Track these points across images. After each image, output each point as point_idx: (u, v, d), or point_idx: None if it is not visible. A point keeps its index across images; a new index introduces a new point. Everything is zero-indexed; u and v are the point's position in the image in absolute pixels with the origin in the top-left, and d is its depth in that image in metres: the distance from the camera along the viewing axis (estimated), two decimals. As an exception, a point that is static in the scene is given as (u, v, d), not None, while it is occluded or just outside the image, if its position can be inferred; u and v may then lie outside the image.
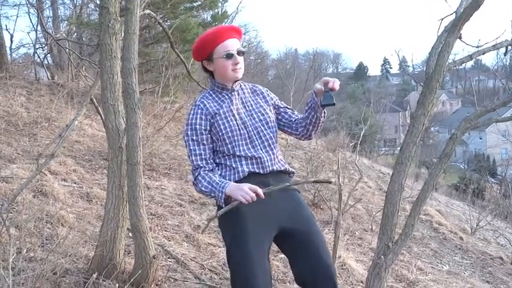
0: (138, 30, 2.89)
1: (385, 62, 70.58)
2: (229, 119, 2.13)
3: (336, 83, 2.04)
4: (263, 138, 2.15)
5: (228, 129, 2.11)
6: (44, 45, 11.32)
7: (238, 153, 2.10)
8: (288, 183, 2.12)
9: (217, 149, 2.14)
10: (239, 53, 2.13)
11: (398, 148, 2.80)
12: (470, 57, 2.71)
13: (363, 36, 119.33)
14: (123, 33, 2.86)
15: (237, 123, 2.13)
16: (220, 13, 11.85)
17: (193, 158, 2.12)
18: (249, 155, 2.11)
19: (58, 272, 2.59)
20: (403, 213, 5.78)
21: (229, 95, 2.18)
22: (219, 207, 2.07)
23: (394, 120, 40.28)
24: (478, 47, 2.76)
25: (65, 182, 4.62)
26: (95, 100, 3.57)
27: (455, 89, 58.47)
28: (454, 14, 2.70)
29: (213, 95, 2.18)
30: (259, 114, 2.18)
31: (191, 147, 2.12)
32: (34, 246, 2.92)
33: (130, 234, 3.10)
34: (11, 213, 3.23)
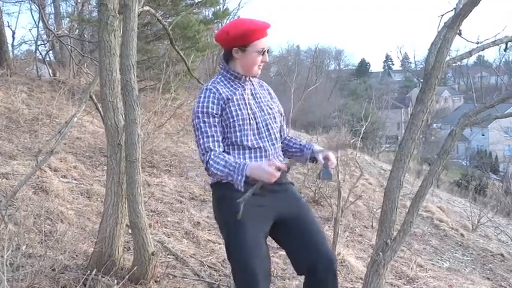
0: (138, 27, 2.88)
1: (387, 58, 70.38)
2: (241, 107, 2.11)
3: (333, 164, 2.19)
4: (270, 131, 2.17)
5: (240, 117, 2.09)
6: (45, 42, 11.34)
7: (245, 143, 2.10)
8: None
9: (225, 135, 2.12)
10: (268, 51, 2.16)
11: (399, 146, 2.79)
12: (469, 53, 2.70)
13: (365, 33, 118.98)
14: (122, 30, 2.86)
15: (247, 112, 2.11)
16: (221, 10, 11.83)
17: (204, 140, 2.05)
18: (256, 146, 2.12)
19: (57, 268, 2.60)
20: (403, 210, 5.78)
21: (242, 84, 2.17)
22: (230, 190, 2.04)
23: (396, 116, 40.18)
24: (478, 43, 2.75)
25: (65, 178, 4.62)
26: (94, 97, 3.57)
27: (458, 85, 58.25)
28: (454, 10, 2.69)
29: (225, 82, 2.15)
30: (267, 107, 2.19)
31: (203, 129, 2.06)
32: (33, 243, 2.93)
33: (129, 230, 3.11)
34: (10, 209, 3.24)
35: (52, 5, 12.42)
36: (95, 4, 11.51)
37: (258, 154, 2.12)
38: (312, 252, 2.09)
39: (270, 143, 2.15)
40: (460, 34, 2.58)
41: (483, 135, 37.19)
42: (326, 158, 2.20)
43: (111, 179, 2.92)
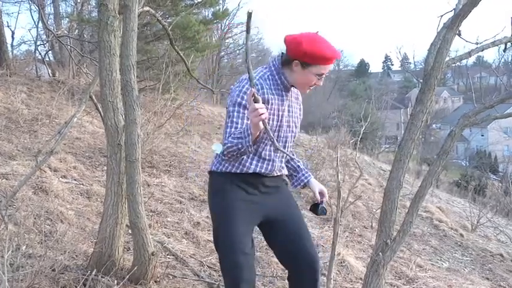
0: (138, 28, 2.89)
1: (387, 59, 70.41)
2: (274, 117, 2.07)
3: (326, 199, 2.37)
4: (287, 149, 2.20)
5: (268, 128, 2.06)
6: (45, 42, 11.32)
7: (260, 150, 2.10)
8: None
9: None
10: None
11: (399, 146, 2.80)
12: (469, 54, 2.71)
13: (364, 33, 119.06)
14: (122, 30, 2.86)
15: (277, 124, 2.10)
16: (221, 10, 11.85)
17: (232, 130, 1.98)
18: (267, 157, 2.13)
19: (57, 269, 2.60)
20: (403, 210, 5.78)
21: (285, 94, 2.12)
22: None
23: (396, 117, 40.19)
24: (477, 43, 2.75)
25: (65, 178, 4.63)
26: (94, 97, 3.57)
27: (457, 85, 58.27)
28: (453, 11, 2.70)
29: (272, 82, 2.08)
30: (293, 125, 2.19)
31: (234, 119, 1.99)
32: (33, 243, 2.93)
33: (129, 231, 3.11)
34: (10, 209, 3.24)
35: (51, 5, 12.42)
36: (94, 4, 11.52)
37: (264, 165, 2.13)
38: (297, 251, 2.17)
39: (279, 158, 2.18)
40: (459, 35, 2.58)
41: (482, 135, 37.20)
42: (321, 194, 2.34)
43: (111, 179, 2.92)
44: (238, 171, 2.11)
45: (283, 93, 2.11)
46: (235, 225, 2.06)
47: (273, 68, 2.11)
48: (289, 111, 2.15)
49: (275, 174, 2.20)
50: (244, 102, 1.98)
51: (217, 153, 2.10)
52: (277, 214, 2.18)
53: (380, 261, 2.61)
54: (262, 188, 2.16)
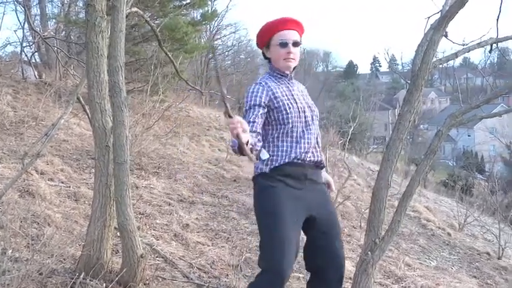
0: (126, 29, 2.87)
1: (375, 60, 70.89)
2: (291, 101, 2.23)
3: (333, 191, 2.51)
4: (313, 127, 2.29)
5: (292, 110, 2.21)
6: (31, 44, 11.16)
7: (295, 134, 2.21)
8: None
9: (278, 126, 2.21)
10: (294, 44, 2.24)
11: (387, 145, 2.82)
12: (455, 55, 2.74)
13: (352, 35, 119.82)
14: (109, 31, 2.84)
15: (298, 106, 2.24)
16: (210, 12, 11.82)
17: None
18: (303, 137, 2.22)
19: (44, 273, 2.57)
20: (391, 210, 5.82)
21: (288, 82, 2.30)
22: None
23: (384, 118, 40.44)
24: (463, 45, 2.79)
25: (52, 181, 4.57)
26: (81, 99, 3.54)
27: (444, 86, 58.89)
28: (440, 12, 2.73)
29: (273, 79, 2.28)
30: (312, 106, 2.33)
31: (245, 116, 2.13)
32: (20, 247, 2.89)
33: (118, 233, 3.08)
34: (-4, 213, 3.20)
35: (38, 6, 12.26)
36: (81, 5, 11.42)
37: (303, 145, 2.21)
38: (329, 255, 2.23)
39: (313, 136, 2.27)
40: (446, 36, 2.62)
41: (469, 135, 37.62)
42: (328, 186, 2.41)
43: (99, 181, 2.90)
44: (278, 163, 2.17)
45: (286, 81, 2.29)
46: (284, 230, 2.09)
47: (270, 70, 2.33)
48: (301, 95, 2.31)
49: (313, 159, 2.25)
50: (253, 102, 2.16)
51: (260, 158, 2.21)
52: (318, 214, 2.24)
53: (369, 261, 2.63)
54: (306, 182, 2.21)
